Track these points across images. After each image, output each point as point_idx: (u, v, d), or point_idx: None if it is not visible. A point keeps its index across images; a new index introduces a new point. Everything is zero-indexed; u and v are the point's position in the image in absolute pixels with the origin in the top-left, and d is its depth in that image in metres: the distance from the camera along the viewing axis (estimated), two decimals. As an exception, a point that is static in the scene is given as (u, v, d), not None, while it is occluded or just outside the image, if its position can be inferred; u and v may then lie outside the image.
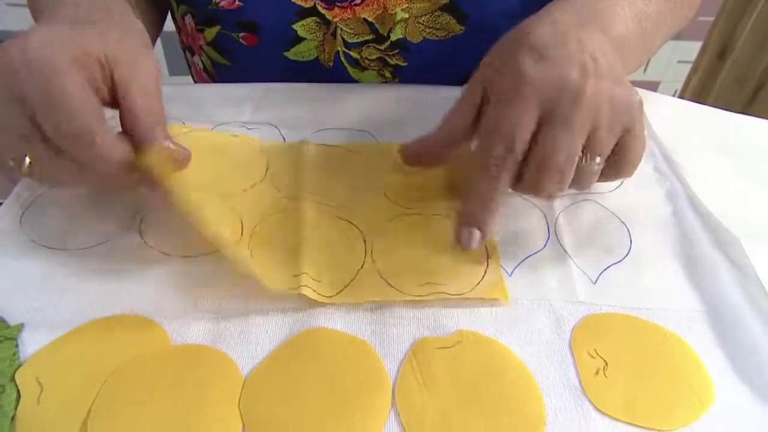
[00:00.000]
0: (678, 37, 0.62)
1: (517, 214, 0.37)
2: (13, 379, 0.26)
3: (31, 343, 0.28)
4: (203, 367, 0.28)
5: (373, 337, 0.29)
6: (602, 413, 0.26)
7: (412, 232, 0.35)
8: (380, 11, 0.46)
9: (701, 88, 1.24)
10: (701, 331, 0.30)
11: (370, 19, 0.47)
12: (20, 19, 0.43)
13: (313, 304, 0.30)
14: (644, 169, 0.41)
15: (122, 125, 0.30)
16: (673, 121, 0.46)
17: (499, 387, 0.27)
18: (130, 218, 0.35)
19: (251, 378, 0.27)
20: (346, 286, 0.31)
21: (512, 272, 0.33)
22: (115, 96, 0.30)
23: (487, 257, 0.33)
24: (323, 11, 0.46)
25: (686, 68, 1.32)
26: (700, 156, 0.43)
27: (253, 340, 0.29)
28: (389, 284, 0.31)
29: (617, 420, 0.26)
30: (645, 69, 1.37)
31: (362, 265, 0.32)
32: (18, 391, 0.26)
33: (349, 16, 0.47)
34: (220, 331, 0.29)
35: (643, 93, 0.48)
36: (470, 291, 0.31)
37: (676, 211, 0.38)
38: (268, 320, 0.30)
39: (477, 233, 0.31)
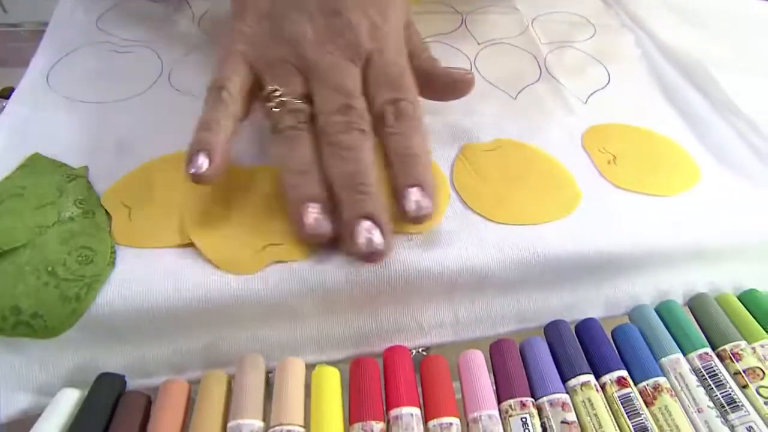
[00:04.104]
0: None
1: (509, 54, 0.42)
2: (100, 205, 0.28)
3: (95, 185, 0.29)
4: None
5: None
6: (620, 187, 0.32)
7: None
8: None
9: None
10: (680, 132, 0.37)
11: None
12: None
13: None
14: (613, 23, 0.47)
15: None
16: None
17: (539, 173, 0.32)
18: (157, 73, 0.37)
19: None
20: None
21: (516, 96, 0.38)
22: None
23: None
24: None
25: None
26: (654, 11, 0.49)
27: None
28: None
29: (632, 191, 0.32)
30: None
31: None
32: (107, 213, 0.27)
33: None
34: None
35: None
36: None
37: (644, 54, 0.44)
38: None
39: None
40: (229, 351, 0.26)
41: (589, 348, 0.27)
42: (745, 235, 0.31)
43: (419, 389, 0.25)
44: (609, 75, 0.41)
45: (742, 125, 0.37)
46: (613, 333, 0.28)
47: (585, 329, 0.28)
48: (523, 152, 0.33)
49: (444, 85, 0.31)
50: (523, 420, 0.24)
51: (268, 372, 0.25)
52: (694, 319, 0.30)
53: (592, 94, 0.39)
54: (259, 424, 0.23)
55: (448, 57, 0.41)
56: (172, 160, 0.30)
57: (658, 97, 0.40)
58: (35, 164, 0.29)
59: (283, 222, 0.27)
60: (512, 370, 0.26)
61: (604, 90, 0.40)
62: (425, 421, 0.24)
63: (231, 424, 0.23)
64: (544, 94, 0.38)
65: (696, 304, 0.30)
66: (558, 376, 0.26)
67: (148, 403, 0.24)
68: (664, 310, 0.29)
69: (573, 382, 0.26)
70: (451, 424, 0.23)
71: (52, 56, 0.37)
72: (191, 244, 0.26)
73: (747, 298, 0.30)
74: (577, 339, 0.28)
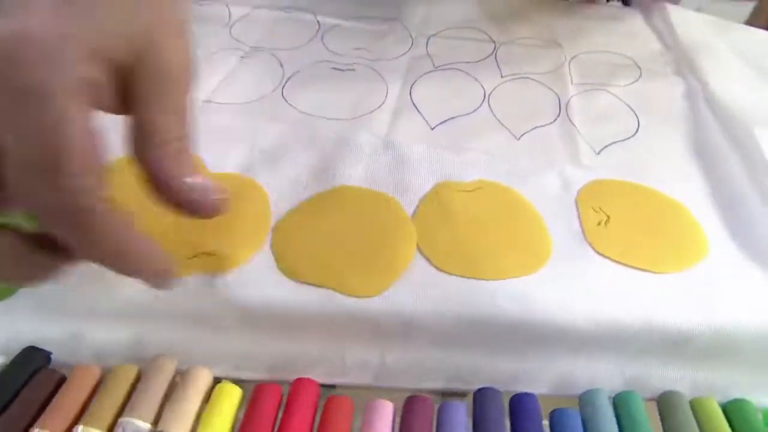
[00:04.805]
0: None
1: (530, 91, 0.39)
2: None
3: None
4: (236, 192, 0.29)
5: (395, 190, 0.31)
6: (600, 254, 0.28)
7: None
8: None
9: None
10: (700, 199, 0.32)
11: None
12: None
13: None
14: (665, 70, 0.43)
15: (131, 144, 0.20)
16: (693, 28, 0.47)
17: (512, 224, 0.29)
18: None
19: (283, 220, 0.29)
20: None
21: (520, 136, 0.35)
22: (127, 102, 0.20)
23: None
24: None
25: None
26: (721, 62, 0.43)
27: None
28: None
29: (614, 260, 0.28)
30: None
31: None
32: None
33: None
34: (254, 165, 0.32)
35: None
36: None
37: (691, 107, 0.39)
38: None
39: None
40: (150, 348, 0.26)
41: (517, 427, 0.25)
42: (745, 331, 0.26)
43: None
44: (638, 126, 0.37)
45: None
46: (550, 416, 0.25)
47: (519, 405, 0.25)
48: (503, 198, 0.31)
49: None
50: (408, 489, 0.22)
51: (176, 376, 0.26)
52: (659, 421, 0.26)
53: (609, 145, 0.35)
54: (146, 427, 0.23)
55: (462, 86, 0.39)
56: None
57: (687, 156, 0.35)
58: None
59: (215, 232, 0.27)
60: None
61: (626, 142, 0.36)
62: (308, 464, 0.23)
63: (121, 419, 0.23)
64: (554, 139, 0.35)
65: (664, 403, 0.26)
66: (468, 449, 0.24)
67: (60, 383, 0.25)
68: (621, 402, 0.26)
69: (483, 460, 0.23)
70: (328, 474, 0.22)
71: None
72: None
73: (733, 409, 0.26)
74: (507, 414, 0.25)
